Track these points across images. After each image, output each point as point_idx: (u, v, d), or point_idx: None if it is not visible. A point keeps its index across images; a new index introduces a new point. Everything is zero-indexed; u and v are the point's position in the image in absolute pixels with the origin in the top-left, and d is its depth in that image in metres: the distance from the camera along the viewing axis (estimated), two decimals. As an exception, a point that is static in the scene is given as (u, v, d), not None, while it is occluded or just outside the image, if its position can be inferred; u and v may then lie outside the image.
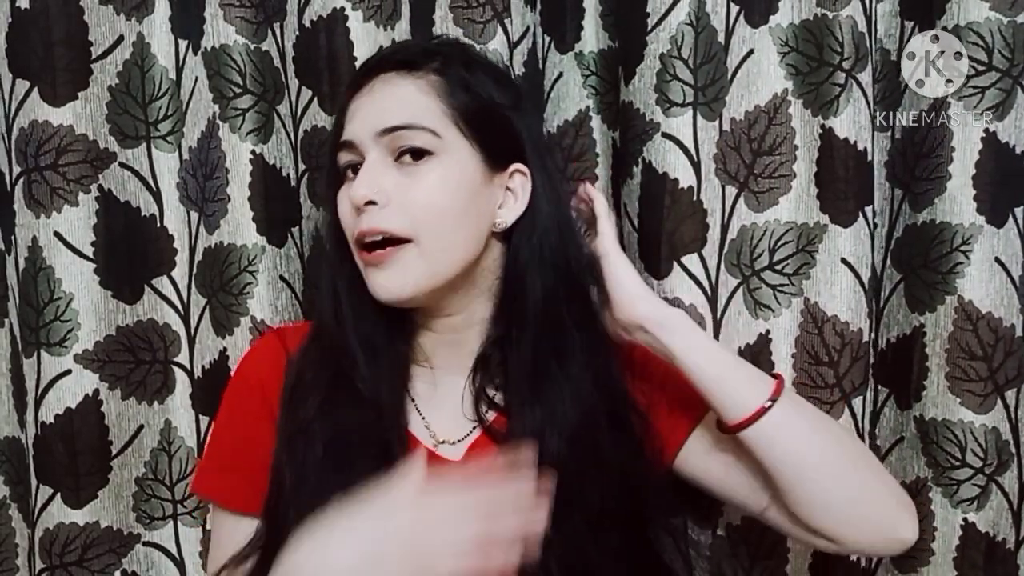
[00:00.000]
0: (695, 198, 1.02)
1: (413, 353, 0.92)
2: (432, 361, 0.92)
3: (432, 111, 0.85)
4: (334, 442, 0.85)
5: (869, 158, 1.02)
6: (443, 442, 0.90)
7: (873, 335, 1.06)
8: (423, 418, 0.91)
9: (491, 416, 0.90)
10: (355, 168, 0.86)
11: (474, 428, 0.90)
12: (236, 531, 0.90)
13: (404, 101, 0.85)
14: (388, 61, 0.88)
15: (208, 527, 1.11)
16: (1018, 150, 1.00)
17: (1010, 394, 1.02)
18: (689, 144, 1.01)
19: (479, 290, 0.90)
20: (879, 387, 1.09)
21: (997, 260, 1.01)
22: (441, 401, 0.91)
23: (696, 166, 1.01)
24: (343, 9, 1.02)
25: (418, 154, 0.84)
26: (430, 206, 0.84)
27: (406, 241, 0.83)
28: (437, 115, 0.85)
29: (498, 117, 0.88)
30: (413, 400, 0.91)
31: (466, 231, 0.86)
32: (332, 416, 0.86)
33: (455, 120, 0.85)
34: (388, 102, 0.86)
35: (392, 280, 0.84)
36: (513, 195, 0.89)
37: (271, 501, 0.87)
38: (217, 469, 0.93)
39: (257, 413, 0.90)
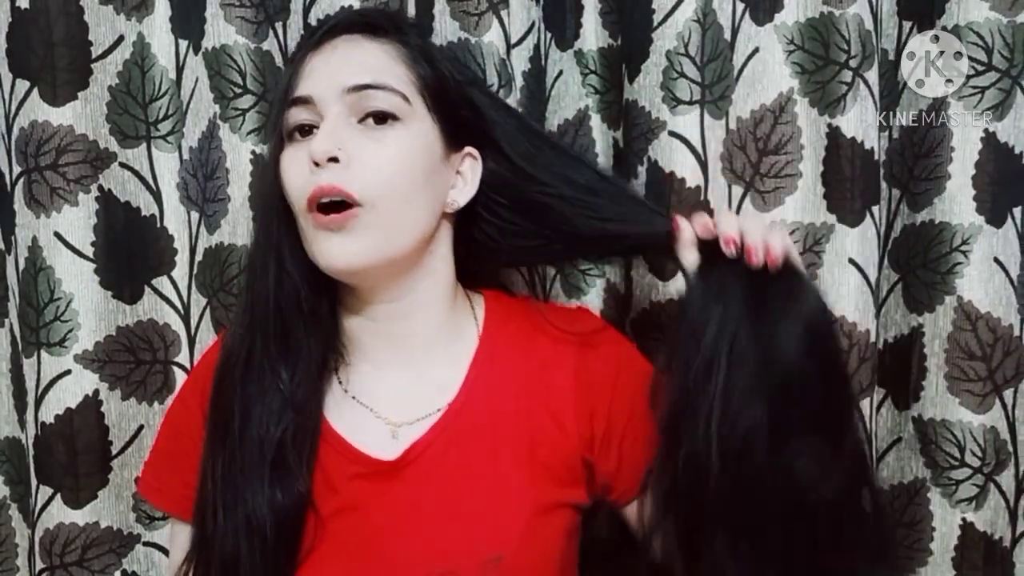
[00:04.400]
0: (702, 197, 1.01)
1: (340, 350, 0.88)
2: (364, 357, 0.88)
3: (400, 76, 0.82)
4: (251, 443, 0.82)
5: (876, 157, 1.01)
6: (401, 424, 0.86)
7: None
8: (370, 410, 0.87)
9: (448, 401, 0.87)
10: (305, 129, 0.82)
11: (437, 410, 0.86)
12: (180, 537, 0.90)
13: (373, 62, 0.82)
14: (352, 24, 0.85)
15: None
16: (1017, 150, 1.01)
17: (1008, 394, 1.03)
18: (696, 143, 1.00)
19: (424, 272, 0.86)
20: (876, 387, 1.08)
21: (996, 260, 1.01)
22: (385, 392, 0.87)
23: (703, 165, 1.00)
24: (350, 7, 1.02)
25: (382, 118, 0.80)
26: (393, 173, 0.79)
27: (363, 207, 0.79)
28: (405, 81, 0.82)
29: (457, 94, 0.86)
30: (355, 397, 0.87)
31: (424, 206, 0.82)
32: (249, 415, 0.83)
33: (420, 90, 0.83)
34: (356, 61, 0.82)
35: (348, 246, 0.78)
36: (463, 178, 0.87)
37: (198, 506, 0.85)
38: (157, 473, 0.93)
39: (196, 423, 0.88)
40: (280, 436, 0.82)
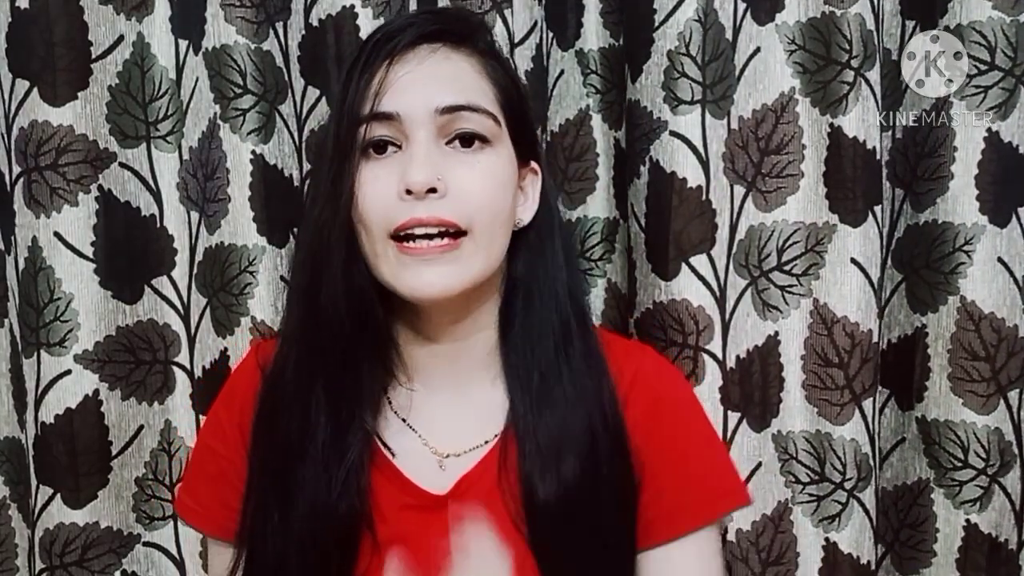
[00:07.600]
0: (704, 197, 1.00)
1: (395, 371, 0.85)
2: (419, 378, 0.86)
3: (488, 95, 0.79)
4: (312, 466, 0.80)
5: (878, 157, 1.01)
6: (448, 455, 0.84)
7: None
8: (419, 435, 0.85)
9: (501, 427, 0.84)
10: (380, 145, 0.77)
11: (485, 443, 0.84)
12: (219, 558, 0.88)
13: (464, 79, 0.79)
14: (435, 33, 0.80)
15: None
16: (1021, 150, 1.00)
17: (1013, 395, 1.02)
18: (698, 142, 0.99)
19: (489, 291, 0.84)
20: (880, 388, 1.08)
21: (1000, 260, 1.00)
22: (435, 418, 0.86)
23: (705, 165, 1.00)
24: (352, 7, 1.02)
25: (469, 140, 0.77)
26: (490, 201, 0.77)
27: (463, 234, 0.76)
28: (492, 99, 0.79)
29: (525, 107, 0.84)
30: (404, 419, 0.85)
31: (506, 228, 0.80)
32: (309, 439, 0.80)
33: (503, 106, 0.80)
34: (446, 77, 0.78)
35: (447, 276, 0.75)
36: (524, 195, 0.85)
37: (245, 527, 0.83)
38: (194, 495, 0.91)
39: (234, 441, 0.86)
40: (348, 461, 0.79)
